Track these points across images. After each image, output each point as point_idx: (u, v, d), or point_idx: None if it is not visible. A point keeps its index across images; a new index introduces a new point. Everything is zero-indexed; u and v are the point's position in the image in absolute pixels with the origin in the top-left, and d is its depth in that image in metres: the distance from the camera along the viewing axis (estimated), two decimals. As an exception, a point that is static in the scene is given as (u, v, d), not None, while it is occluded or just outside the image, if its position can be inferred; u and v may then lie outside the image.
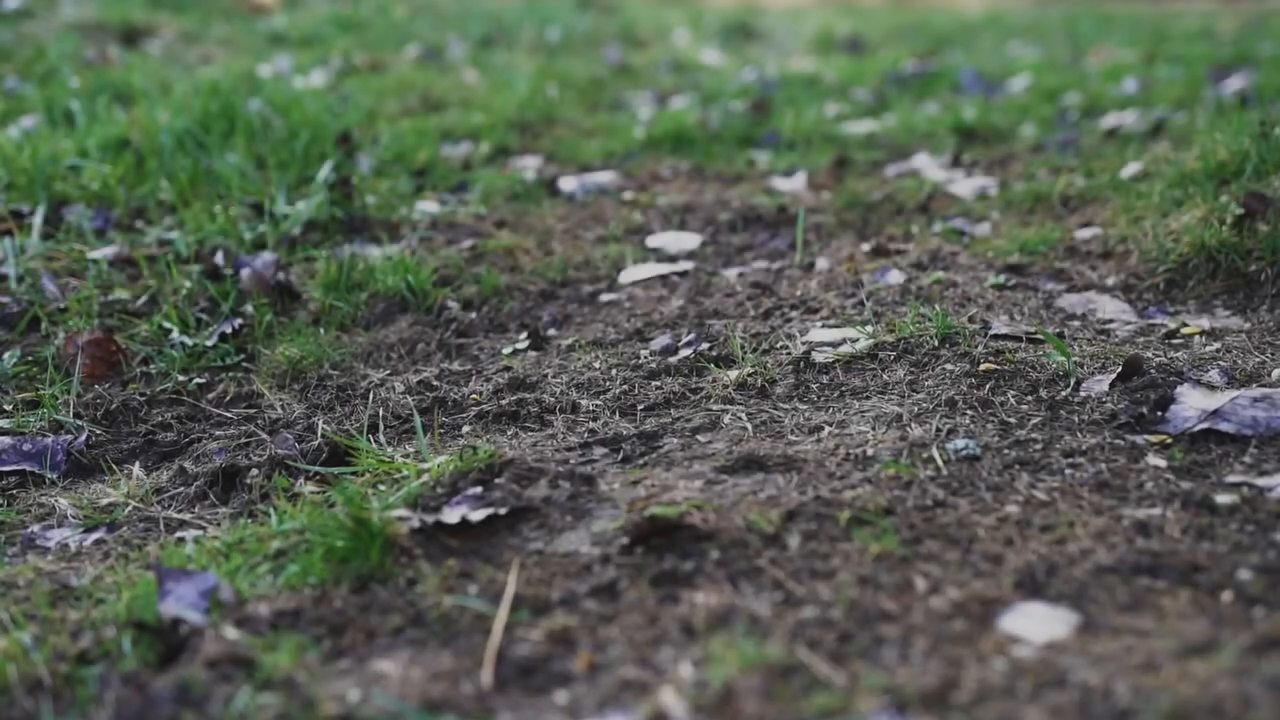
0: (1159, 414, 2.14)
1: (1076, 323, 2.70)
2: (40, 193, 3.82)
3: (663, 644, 1.56)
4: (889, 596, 1.63)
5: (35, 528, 2.15)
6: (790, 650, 1.52)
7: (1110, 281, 2.97)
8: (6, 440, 2.45)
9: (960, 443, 2.06)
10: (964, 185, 4.18)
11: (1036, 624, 1.55)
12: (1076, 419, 2.16)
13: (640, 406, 2.41)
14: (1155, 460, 1.99)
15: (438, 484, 2.03)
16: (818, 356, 2.53)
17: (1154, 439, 2.07)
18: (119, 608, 1.75)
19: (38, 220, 3.59)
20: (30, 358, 2.87)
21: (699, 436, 2.23)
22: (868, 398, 2.33)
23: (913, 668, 1.47)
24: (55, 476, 2.38)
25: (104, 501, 2.24)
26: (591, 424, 2.34)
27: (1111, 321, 2.70)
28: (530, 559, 1.80)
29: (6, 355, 2.83)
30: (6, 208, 3.72)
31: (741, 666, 1.48)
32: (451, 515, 1.90)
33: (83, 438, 2.48)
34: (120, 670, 1.59)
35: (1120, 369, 2.29)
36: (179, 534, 2.08)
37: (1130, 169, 3.91)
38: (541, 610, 1.66)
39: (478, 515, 1.88)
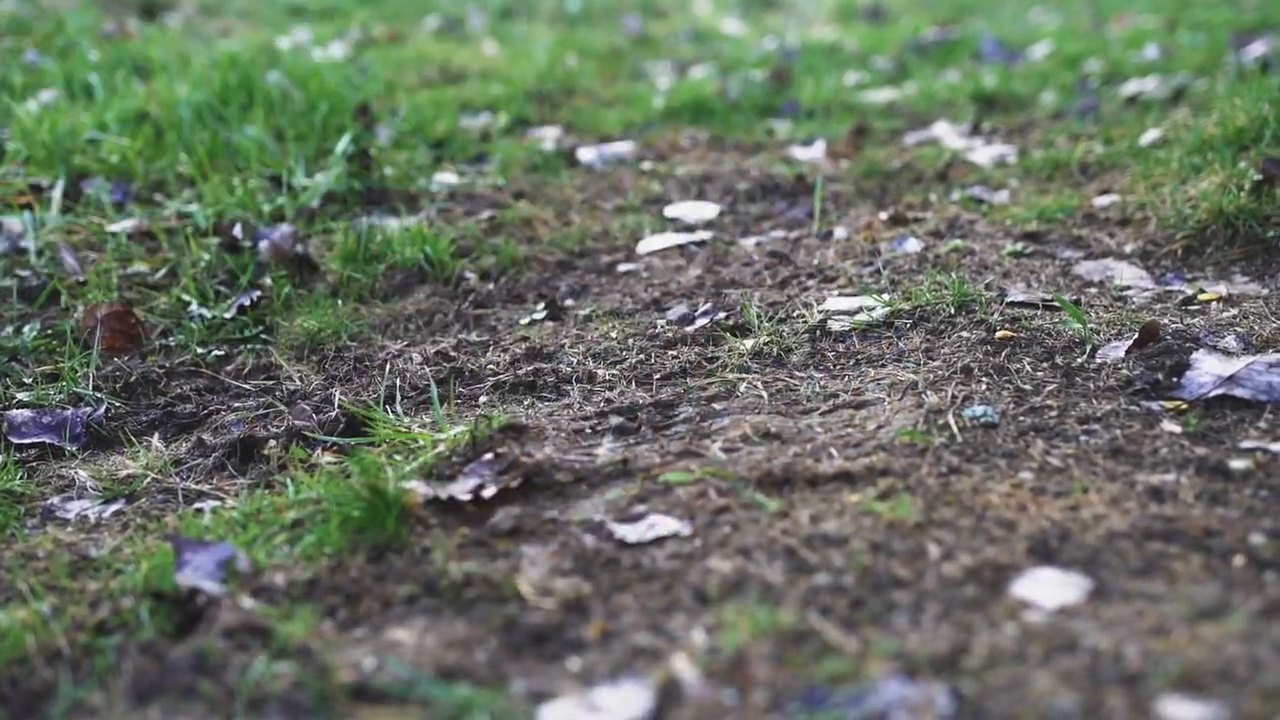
0: (1174, 380, 2.13)
1: (1094, 290, 2.70)
2: (59, 166, 3.83)
3: (675, 611, 1.57)
4: (901, 563, 1.63)
5: (55, 499, 2.17)
6: (802, 616, 1.53)
7: (1128, 248, 2.96)
8: (27, 413, 2.47)
9: (978, 409, 2.06)
10: (983, 153, 4.17)
11: (1048, 589, 1.55)
12: (1092, 385, 2.16)
13: (656, 376, 2.41)
14: (1170, 426, 1.99)
15: (453, 454, 2.05)
16: (834, 325, 2.53)
17: (1169, 405, 2.07)
18: (137, 578, 1.76)
19: (57, 194, 3.61)
20: (50, 331, 2.89)
21: (715, 405, 2.23)
22: (884, 365, 2.33)
23: (924, 633, 1.48)
24: (75, 449, 2.39)
25: (123, 473, 2.25)
26: (608, 393, 2.35)
27: (1129, 288, 2.69)
28: (544, 527, 1.81)
29: (27, 328, 2.85)
30: (26, 181, 3.73)
31: (753, 633, 1.49)
32: (464, 485, 1.91)
33: (102, 410, 2.50)
34: (138, 640, 1.60)
35: (1137, 335, 2.29)
36: (197, 505, 2.09)
37: (1149, 136, 3.89)
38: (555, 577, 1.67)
39: (490, 489, 1.89)
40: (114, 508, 2.12)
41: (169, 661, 1.54)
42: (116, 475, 2.25)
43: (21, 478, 2.25)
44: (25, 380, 2.65)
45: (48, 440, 2.41)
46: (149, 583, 1.74)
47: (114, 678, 1.54)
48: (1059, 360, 2.26)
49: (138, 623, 1.65)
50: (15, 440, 2.40)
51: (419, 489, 1.90)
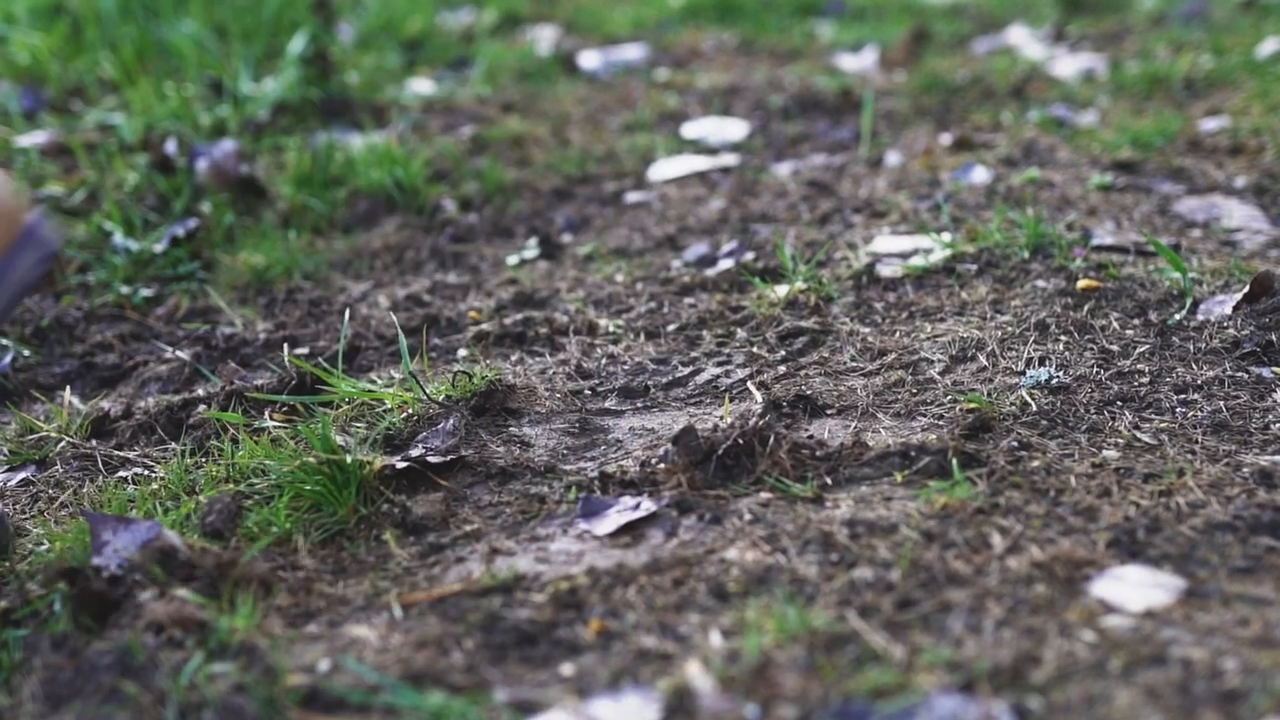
0: (1291, 342, 2.14)
1: (1197, 232, 2.70)
2: (-42, 67, 3.84)
3: (688, 609, 1.58)
4: (959, 556, 1.64)
5: (-49, 465, 2.19)
6: (839, 617, 1.54)
7: (1239, 182, 2.96)
8: (-82, 362, 2.48)
9: (1042, 372, 2.07)
10: (1067, 65, 4.16)
11: (1133, 590, 1.56)
12: (1192, 347, 2.16)
13: (670, 327, 2.42)
14: (1284, 397, 2.00)
15: (421, 419, 2.06)
16: (884, 270, 2.54)
17: (1284, 372, 2.08)
18: (49, 560, 1.78)
19: (-45, 100, 3.62)
20: (-54, 264, 2.89)
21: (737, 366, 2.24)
22: (942, 320, 2.34)
23: (984, 640, 1.49)
24: (-25, 405, 2.41)
25: (33, 435, 2.26)
26: (611, 348, 2.36)
27: (1239, 231, 2.69)
28: (532, 504, 1.82)
29: (-82, 261, 2.86)
30: (-82, 84, 3.74)
31: (780, 636, 1.50)
32: (438, 455, 1.92)
33: (8, 359, 2.51)
34: (51, 633, 1.62)
35: (1247, 288, 2.29)
36: (120, 474, 2.10)
37: (1268, 47, 3.89)
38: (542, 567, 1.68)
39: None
40: (21, 475, 2.14)
41: (87, 659, 1.55)
42: (25, 437, 2.26)
43: (-89, 439, 2.27)
44: (-84, 322, 2.66)
45: (-58, 394, 2.43)
46: (63, 566, 1.75)
47: (22, 677, 1.55)
48: (1153, 316, 2.26)
49: (50, 613, 1.67)
50: (-96, 394, 2.42)
51: (383, 459, 1.91)
